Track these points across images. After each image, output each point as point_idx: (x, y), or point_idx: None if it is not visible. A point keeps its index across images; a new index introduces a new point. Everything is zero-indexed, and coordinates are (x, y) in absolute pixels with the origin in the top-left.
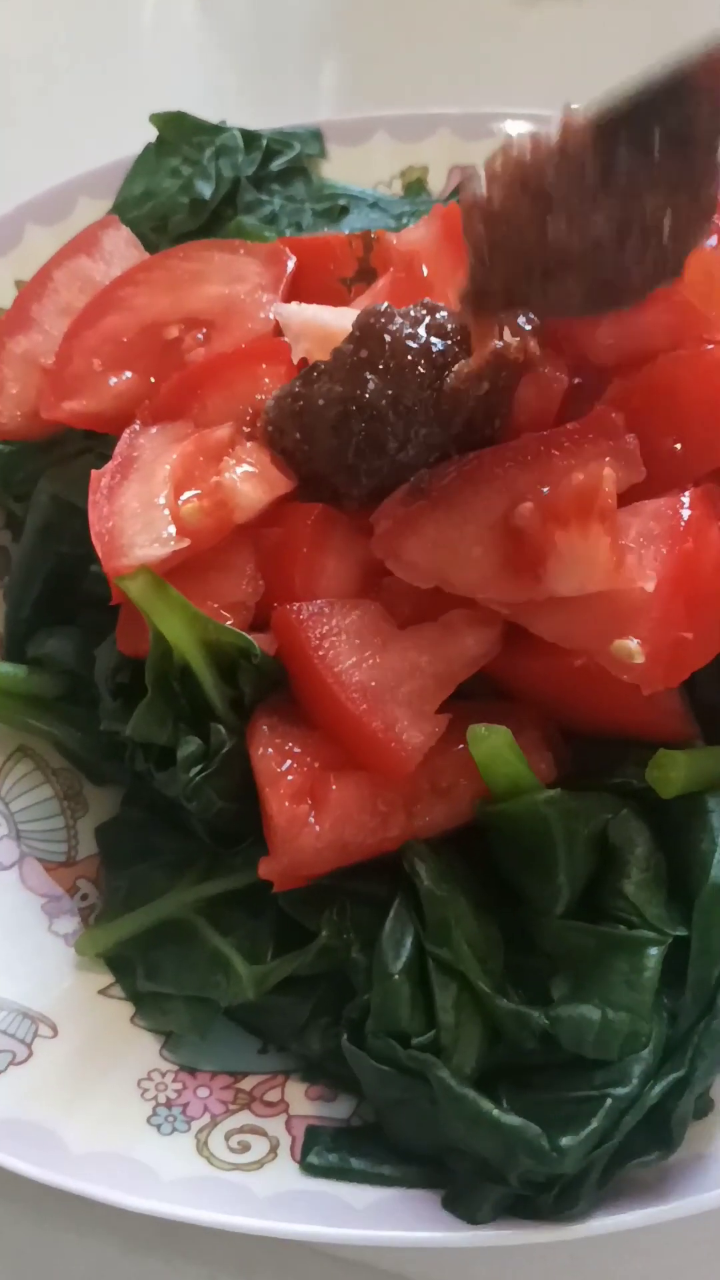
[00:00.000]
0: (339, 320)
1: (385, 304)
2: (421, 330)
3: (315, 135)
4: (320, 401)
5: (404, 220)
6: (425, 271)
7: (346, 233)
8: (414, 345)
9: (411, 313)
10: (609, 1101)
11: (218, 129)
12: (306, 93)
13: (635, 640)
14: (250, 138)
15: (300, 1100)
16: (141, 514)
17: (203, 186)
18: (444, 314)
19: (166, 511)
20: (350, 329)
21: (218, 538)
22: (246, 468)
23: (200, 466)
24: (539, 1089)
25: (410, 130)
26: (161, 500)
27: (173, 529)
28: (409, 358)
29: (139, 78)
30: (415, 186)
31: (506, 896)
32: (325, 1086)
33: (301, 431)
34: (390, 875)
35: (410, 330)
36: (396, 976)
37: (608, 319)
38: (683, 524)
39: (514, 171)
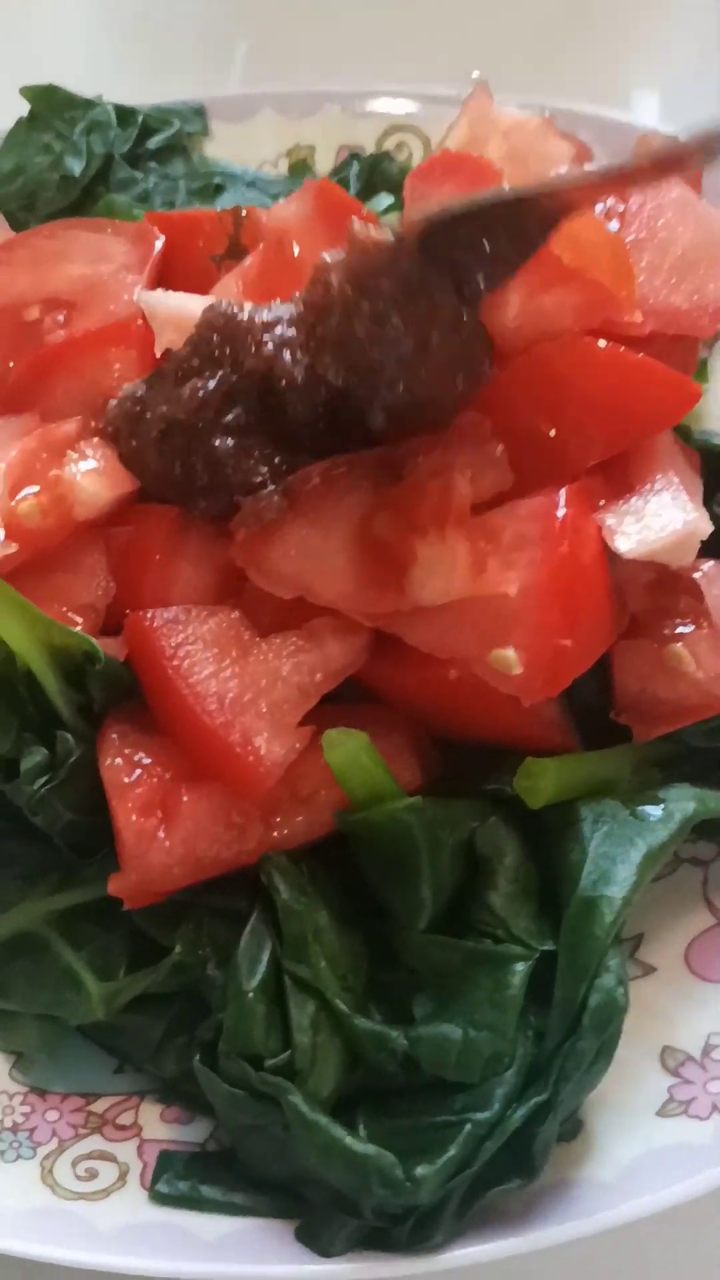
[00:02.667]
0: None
1: (227, 303)
2: (269, 336)
3: (198, 112)
4: (148, 415)
5: (281, 199)
6: (296, 249)
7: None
8: (256, 352)
9: (264, 315)
10: (468, 1127)
11: (90, 104)
12: (208, 68)
13: (513, 650)
14: (125, 114)
15: (155, 1123)
16: None
17: (72, 163)
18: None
19: None
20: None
21: (58, 537)
22: (90, 464)
23: (42, 463)
24: (399, 1114)
25: (296, 106)
26: None
27: (1, 534)
28: (249, 367)
29: (34, 55)
30: (300, 167)
31: (373, 908)
32: (181, 1108)
33: (136, 440)
34: (250, 889)
35: (257, 336)
36: (251, 995)
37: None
38: (557, 525)
39: (357, 264)
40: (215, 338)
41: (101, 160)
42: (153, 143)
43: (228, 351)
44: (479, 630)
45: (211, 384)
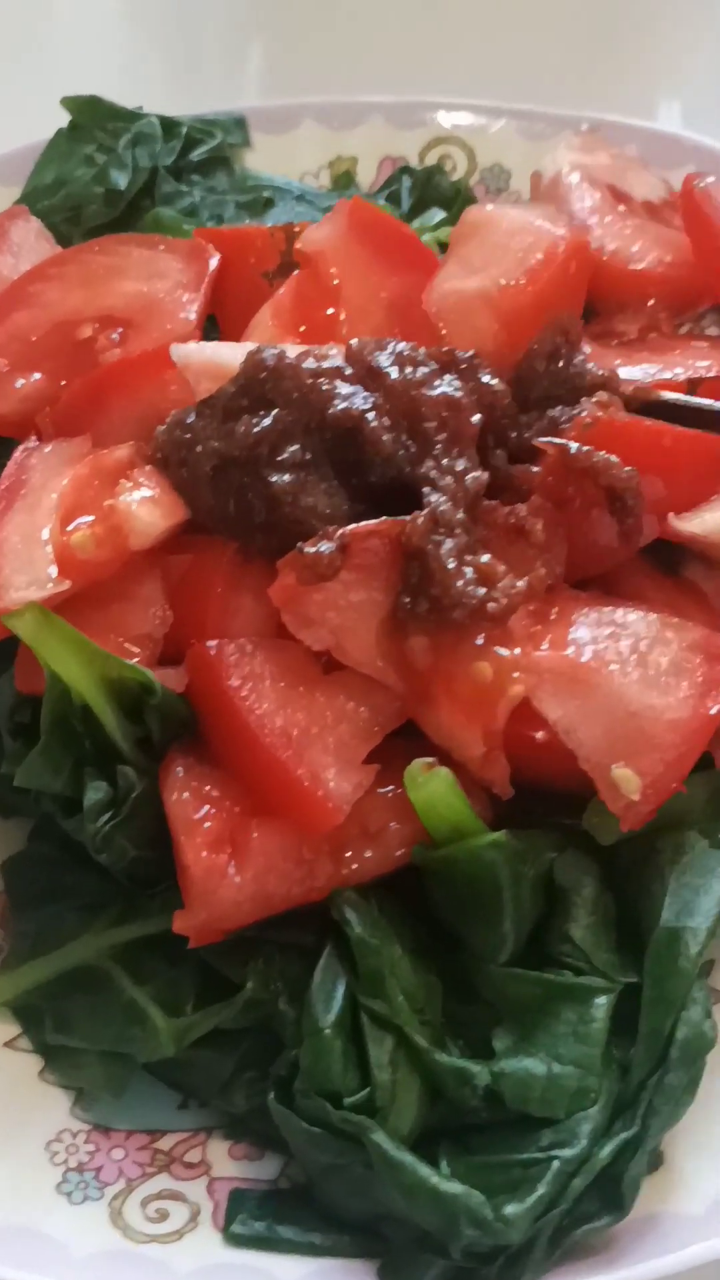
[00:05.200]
0: (240, 358)
1: (274, 348)
2: (318, 379)
3: (239, 123)
4: (199, 449)
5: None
6: (334, 273)
7: (269, 225)
8: (305, 393)
9: (310, 361)
10: (556, 1164)
11: (134, 115)
12: (230, 78)
13: (637, 777)
14: (169, 125)
15: (223, 1160)
16: (23, 550)
17: (118, 176)
18: (337, 360)
19: (49, 549)
20: None
21: (113, 567)
22: (144, 491)
23: (94, 491)
24: (482, 1150)
25: (339, 118)
26: (45, 535)
27: (54, 570)
28: (300, 407)
29: (53, 60)
30: (344, 179)
31: (445, 940)
32: (250, 1144)
33: (187, 470)
34: (319, 923)
35: (306, 379)
36: (327, 1031)
37: None
38: None
39: None
40: (266, 379)
41: (147, 173)
42: (196, 155)
43: (282, 393)
44: (614, 734)
45: (267, 421)
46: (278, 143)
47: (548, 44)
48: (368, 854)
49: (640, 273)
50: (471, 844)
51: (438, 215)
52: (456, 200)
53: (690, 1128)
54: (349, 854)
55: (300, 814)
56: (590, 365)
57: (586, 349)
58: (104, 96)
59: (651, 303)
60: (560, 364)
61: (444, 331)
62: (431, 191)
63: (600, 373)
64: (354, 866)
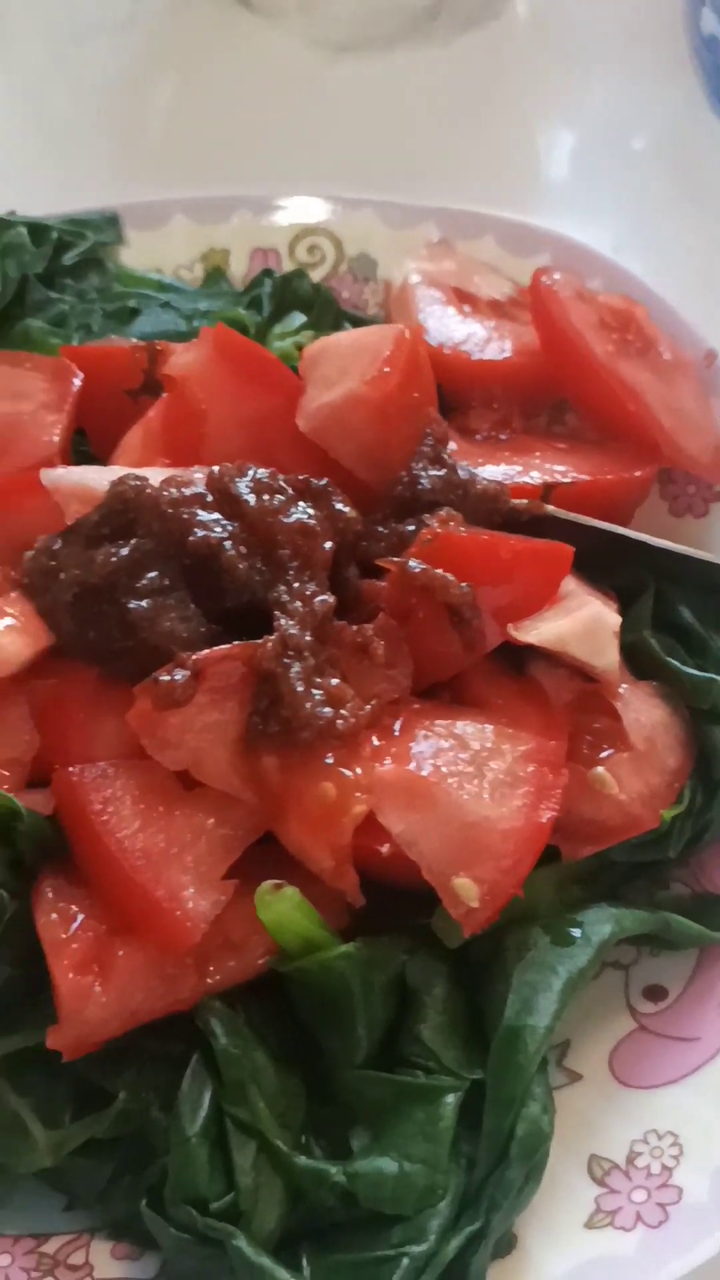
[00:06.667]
0: (107, 483)
1: (137, 477)
2: (178, 508)
3: (112, 221)
4: (62, 576)
5: (195, 322)
6: (200, 398)
7: (133, 340)
8: (164, 522)
9: (171, 490)
10: (406, 1261)
11: (4, 223)
12: (105, 170)
13: (476, 885)
14: (38, 231)
15: (105, 1261)
16: None
17: None
18: (198, 488)
19: None
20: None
21: None
22: (8, 620)
23: None
24: (341, 1248)
25: (208, 213)
26: None
27: None
28: (160, 536)
29: None
30: (214, 274)
31: (308, 1044)
32: (130, 1244)
33: (51, 597)
34: (188, 1029)
35: (165, 509)
36: (193, 1140)
37: None
38: (561, 778)
39: None
40: (126, 510)
41: (17, 284)
42: (68, 259)
43: (142, 522)
44: (452, 845)
45: (125, 550)
46: (150, 238)
47: (411, 134)
48: (231, 964)
49: (484, 364)
50: (322, 957)
51: (298, 319)
52: (316, 301)
53: (538, 1210)
54: (213, 965)
55: (160, 932)
56: (482, 475)
57: (453, 445)
58: None
59: (497, 404)
60: (444, 470)
61: (325, 446)
62: (291, 295)
63: (492, 483)
64: (218, 977)
